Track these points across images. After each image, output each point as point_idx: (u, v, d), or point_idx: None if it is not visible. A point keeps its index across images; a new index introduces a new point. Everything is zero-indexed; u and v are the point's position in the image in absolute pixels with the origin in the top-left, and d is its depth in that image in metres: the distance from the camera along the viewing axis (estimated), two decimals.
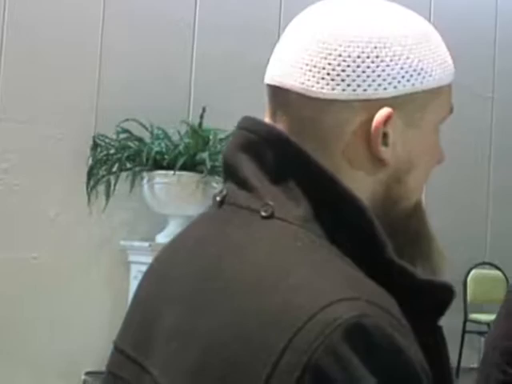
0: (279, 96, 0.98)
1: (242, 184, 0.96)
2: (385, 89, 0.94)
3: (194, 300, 0.91)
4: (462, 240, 6.58)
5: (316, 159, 0.93)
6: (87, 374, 5.18)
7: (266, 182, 0.95)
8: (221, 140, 5.15)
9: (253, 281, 0.86)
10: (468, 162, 6.75)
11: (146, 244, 5.11)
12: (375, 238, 0.91)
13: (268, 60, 1.01)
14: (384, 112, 0.94)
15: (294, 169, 0.94)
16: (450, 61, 1.01)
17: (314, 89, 0.94)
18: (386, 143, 0.95)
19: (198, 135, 5.20)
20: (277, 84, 0.98)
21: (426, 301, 0.92)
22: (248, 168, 0.96)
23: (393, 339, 0.81)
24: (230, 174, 0.99)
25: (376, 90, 0.94)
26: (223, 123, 5.12)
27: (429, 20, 1.02)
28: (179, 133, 5.26)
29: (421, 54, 0.96)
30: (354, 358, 0.78)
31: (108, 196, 5.13)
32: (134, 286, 5.09)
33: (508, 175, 6.97)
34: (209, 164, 4.93)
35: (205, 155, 5.00)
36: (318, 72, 0.94)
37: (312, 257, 0.88)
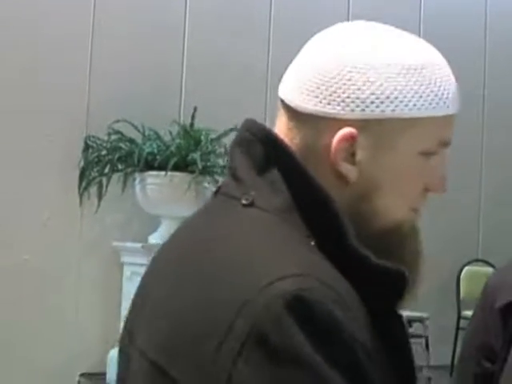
0: (279, 106, 1.09)
1: (233, 175, 1.08)
2: (352, 110, 1.01)
3: (171, 281, 1.04)
4: (455, 237, 6.59)
5: (296, 156, 1.03)
6: (82, 375, 5.18)
7: (254, 174, 1.05)
8: (212, 140, 5.15)
9: (219, 262, 0.98)
10: (460, 160, 6.75)
11: (139, 245, 5.11)
12: (339, 227, 1.00)
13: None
14: (344, 132, 1.01)
15: (279, 164, 1.04)
16: (444, 95, 1.05)
17: (296, 102, 1.05)
18: (353, 162, 1.02)
19: (190, 136, 5.20)
20: (280, 96, 1.09)
21: (383, 285, 1.00)
22: (239, 161, 1.08)
23: (331, 313, 0.90)
24: (228, 167, 1.10)
25: (343, 110, 1.01)
26: (214, 123, 5.13)
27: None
28: (171, 133, 5.26)
29: (399, 83, 1.01)
30: (293, 325, 0.89)
31: (100, 197, 5.12)
32: (126, 286, 5.08)
33: (500, 172, 6.99)
34: (200, 164, 4.94)
35: (196, 155, 5.00)
36: (299, 87, 1.05)
37: (276, 240, 0.99)
